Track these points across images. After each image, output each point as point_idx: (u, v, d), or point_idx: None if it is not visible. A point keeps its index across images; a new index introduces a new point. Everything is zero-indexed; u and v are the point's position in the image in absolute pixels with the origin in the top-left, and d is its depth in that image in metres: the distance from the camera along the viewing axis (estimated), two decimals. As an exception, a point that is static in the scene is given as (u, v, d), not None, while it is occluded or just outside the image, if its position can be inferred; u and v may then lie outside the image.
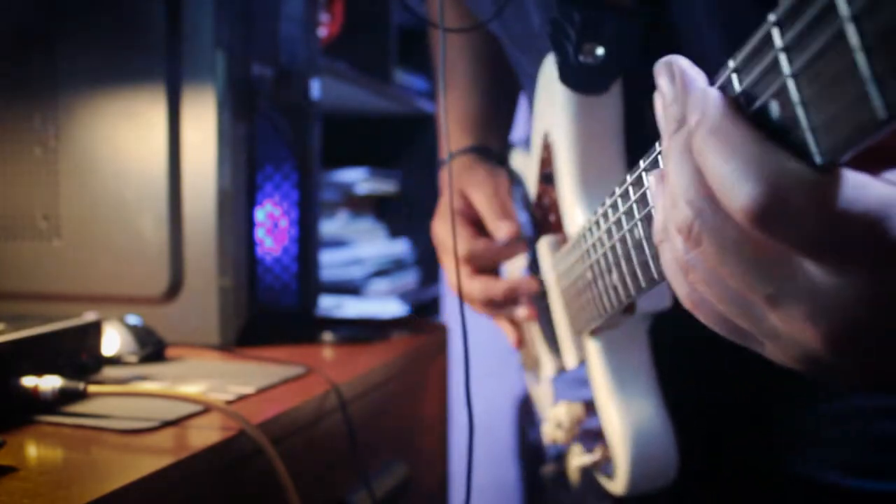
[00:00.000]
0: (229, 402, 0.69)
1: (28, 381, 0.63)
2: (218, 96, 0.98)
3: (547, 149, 0.68)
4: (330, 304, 1.40)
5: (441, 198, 0.85)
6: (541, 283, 0.77)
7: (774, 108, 0.27)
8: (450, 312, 1.98)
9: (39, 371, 0.65)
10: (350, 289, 1.56)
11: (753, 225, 0.28)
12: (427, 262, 1.96)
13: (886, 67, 0.23)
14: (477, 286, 0.77)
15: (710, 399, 0.72)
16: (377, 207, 1.88)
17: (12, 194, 1.06)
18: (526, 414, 2.20)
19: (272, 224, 1.06)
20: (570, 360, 0.73)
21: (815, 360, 0.32)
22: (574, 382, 0.78)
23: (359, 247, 1.64)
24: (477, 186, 0.80)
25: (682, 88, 0.33)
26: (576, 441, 0.73)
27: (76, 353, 0.73)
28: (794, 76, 0.26)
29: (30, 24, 1.05)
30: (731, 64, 0.30)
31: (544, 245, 0.73)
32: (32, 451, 0.57)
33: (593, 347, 0.67)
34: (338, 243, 1.61)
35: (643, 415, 0.65)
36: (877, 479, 0.66)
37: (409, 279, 1.86)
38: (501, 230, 0.75)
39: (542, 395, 0.86)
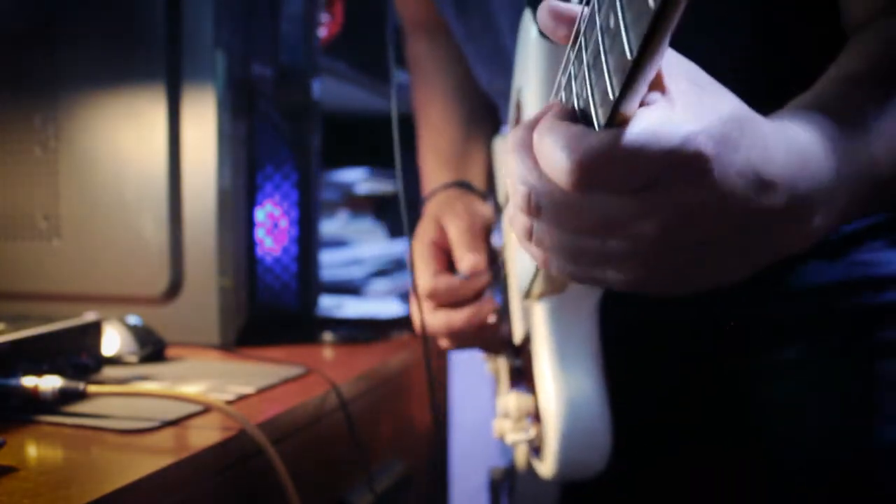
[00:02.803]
0: (229, 402, 0.69)
1: (28, 381, 0.63)
2: (218, 96, 0.98)
3: (518, 108, 0.67)
4: (330, 304, 1.39)
5: (418, 227, 0.84)
6: (501, 254, 0.77)
7: (595, 59, 0.35)
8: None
9: (39, 371, 0.65)
10: (350, 289, 1.56)
11: (573, 186, 0.36)
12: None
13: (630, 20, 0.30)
14: (438, 319, 0.77)
15: (648, 383, 0.72)
16: (377, 207, 1.88)
17: (12, 194, 1.06)
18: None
19: (272, 224, 1.06)
20: (518, 333, 0.71)
21: (646, 268, 0.40)
22: None
23: (359, 247, 1.64)
24: (453, 217, 0.80)
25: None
26: (510, 432, 0.71)
27: (76, 353, 0.73)
28: (602, 30, 0.34)
29: (30, 25, 1.05)
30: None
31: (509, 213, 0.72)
32: (32, 451, 0.57)
33: (538, 313, 0.65)
34: (338, 243, 1.61)
35: (580, 392, 0.62)
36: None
37: (409, 279, 1.86)
38: (465, 262, 0.76)
39: (502, 386, 0.85)
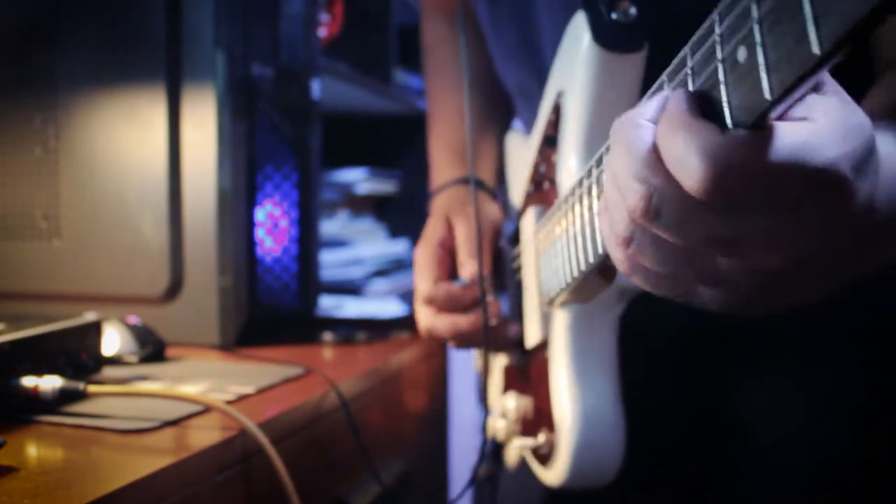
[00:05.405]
0: (229, 402, 0.69)
1: (28, 381, 0.63)
2: (218, 96, 0.98)
3: (556, 111, 0.67)
4: (330, 304, 1.39)
5: (427, 225, 0.84)
6: (517, 256, 0.76)
7: (741, 54, 0.31)
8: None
9: (39, 371, 0.65)
10: (350, 289, 1.56)
11: (707, 195, 0.32)
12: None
13: (821, 9, 0.26)
14: (444, 323, 0.76)
15: (663, 403, 0.71)
16: (377, 207, 1.88)
17: (12, 194, 1.06)
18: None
19: (272, 224, 1.06)
20: (533, 337, 0.70)
21: (765, 286, 0.37)
22: None
23: (359, 247, 1.64)
24: (463, 218, 0.79)
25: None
26: (517, 437, 0.71)
27: (76, 353, 0.73)
28: (759, 21, 0.30)
29: (30, 25, 1.05)
30: (715, 14, 0.33)
31: (530, 214, 0.71)
32: (32, 451, 0.57)
33: (560, 322, 0.65)
34: (338, 243, 1.61)
35: (597, 403, 0.62)
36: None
37: (409, 279, 1.86)
38: (467, 268, 0.76)
39: (494, 385, 0.84)
